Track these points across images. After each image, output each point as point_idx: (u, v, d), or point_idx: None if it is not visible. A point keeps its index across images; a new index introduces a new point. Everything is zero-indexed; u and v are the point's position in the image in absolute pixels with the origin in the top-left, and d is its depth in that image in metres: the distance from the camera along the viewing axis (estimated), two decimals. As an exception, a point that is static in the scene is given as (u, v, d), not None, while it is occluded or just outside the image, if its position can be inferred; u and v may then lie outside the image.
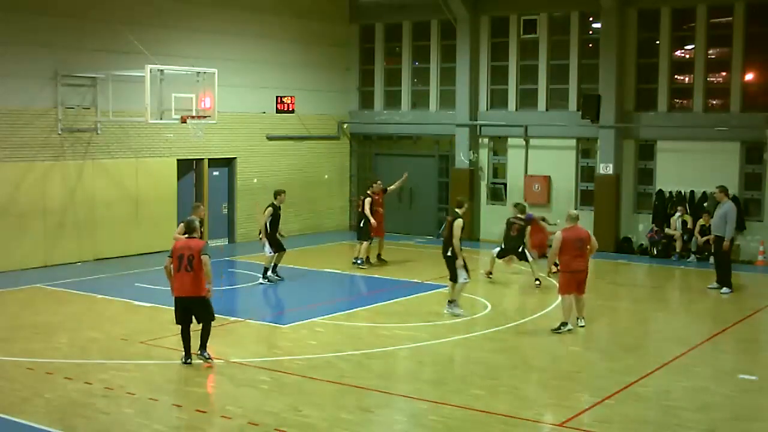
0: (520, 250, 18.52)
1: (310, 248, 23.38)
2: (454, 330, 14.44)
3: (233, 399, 10.74)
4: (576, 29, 23.96)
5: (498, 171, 25.56)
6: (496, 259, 18.90)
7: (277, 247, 18.27)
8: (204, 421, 10.06)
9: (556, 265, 15.23)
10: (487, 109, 25.34)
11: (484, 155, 25.48)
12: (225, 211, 24.28)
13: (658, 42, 22.91)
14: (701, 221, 21.15)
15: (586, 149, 24.12)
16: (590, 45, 24.05)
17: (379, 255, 20.84)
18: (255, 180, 24.55)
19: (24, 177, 19.48)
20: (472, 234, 24.43)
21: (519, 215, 18.75)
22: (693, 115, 22.45)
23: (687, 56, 23.02)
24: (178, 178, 22.66)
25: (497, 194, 25.06)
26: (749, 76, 22.24)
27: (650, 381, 11.67)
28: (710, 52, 22.55)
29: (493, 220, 23.46)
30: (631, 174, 23.35)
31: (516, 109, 25.00)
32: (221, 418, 10.07)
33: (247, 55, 24.18)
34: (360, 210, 20.60)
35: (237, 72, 23.29)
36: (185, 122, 19.57)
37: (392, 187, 21.58)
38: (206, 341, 12.26)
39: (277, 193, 18.54)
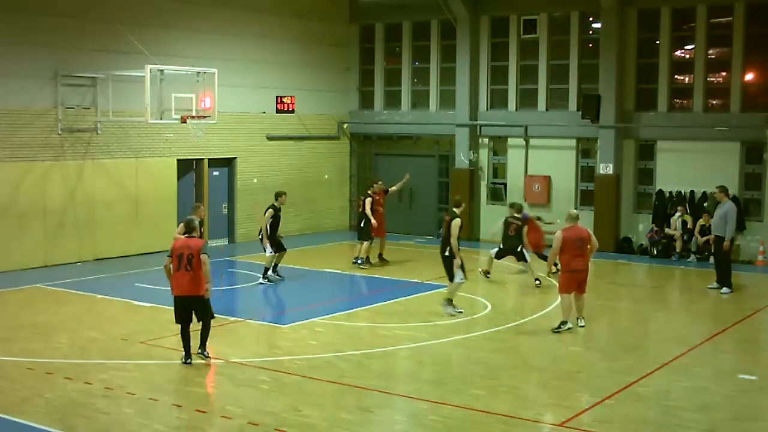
0: (518, 249, 18.53)
1: (310, 248, 23.38)
2: (454, 330, 14.44)
3: (233, 399, 10.74)
4: (576, 29, 23.96)
5: (498, 171, 25.56)
6: (494, 259, 18.90)
7: (278, 247, 18.28)
8: (204, 421, 10.06)
9: (555, 265, 15.23)
10: (487, 109, 25.34)
11: (484, 155, 25.49)
12: (225, 211, 24.29)
13: (658, 42, 22.91)
14: (701, 221, 21.16)
15: (586, 149, 24.13)
16: (590, 45, 24.05)
17: (380, 255, 20.86)
18: (255, 180, 24.55)
19: (24, 177, 19.49)
20: (472, 234, 24.46)
21: (516, 214, 18.78)
22: (693, 115, 22.45)
23: (687, 56, 23.02)
24: (178, 178, 22.66)
25: (497, 194, 25.06)
26: (749, 76, 22.24)
27: (650, 381, 11.67)
28: (710, 52, 22.55)
29: (494, 220, 23.34)
30: (631, 174, 23.35)
31: (516, 109, 25.00)
32: (221, 418, 10.07)
33: (247, 55, 24.18)
34: (360, 210, 20.61)
35: (237, 72, 23.29)
36: (185, 122, 19.58)
37: (393, 188, 21.59)
38: (206, 340, 12.33)
39: (278, 195, 18.53)
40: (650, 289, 19.32)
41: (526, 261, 18.61)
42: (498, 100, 25.32)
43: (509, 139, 25.09)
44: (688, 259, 21.71)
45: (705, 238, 20.71)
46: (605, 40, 23.11)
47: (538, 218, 20.01)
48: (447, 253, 15.29)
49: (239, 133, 24.06)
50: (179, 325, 12.17)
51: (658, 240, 22.30)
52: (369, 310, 15.99)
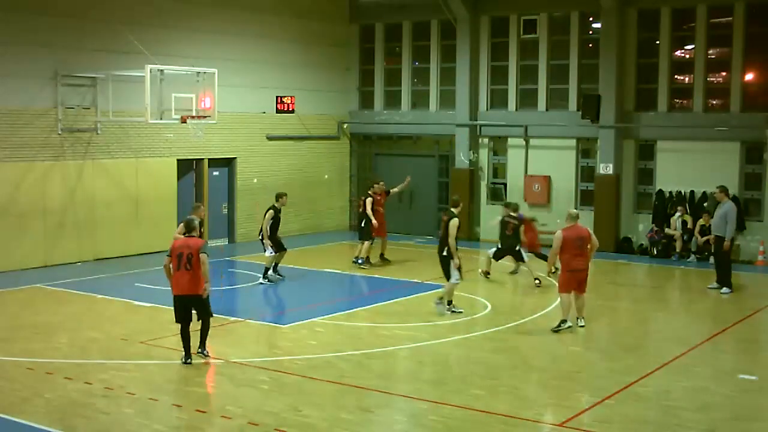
0: (517, 249, 18.55)
1: (310, 248, 23.38)
2: (454, 330, 14.44)
3: (233, 399, 10.74)
4: (576, 29, 23.96)
5: (498, 171, 25.56)
6: (492, 259, 18.91)
7: (278, 247, 18.29)
8: (204, 421, 10.06)
9: (555, 269, 15.20)
10: (487, 109, 25.34)
11: (484, 155, 25.49)
12: (225, 211, 24.28)
13: (658, 42, 22.91)
14: (701, 221, 21.16)
15: (586, 149, 24.13)
16: (590, 45, 24.05)
17: (382, 255, 20.90)
18: (255, 180, 24.55)
19: (24, 177, 19.49)
20: (472, 234, 24.45)
21: (512, 213, 18.83)
22: (693, 115, 22.45)
23: (687, 56, 23.02)
24: (178, 178, 22.66)
25: (497, 194, 25.05)
26: (749, 76, 22.24)
27: (650, 381, 11.67)
28: (710, 52, 22.55)
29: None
30: (631, 174, 23.36)
31: (516, 109, 25.00)
32: (221, 418, 10.07)
33: (247, 55, 24.18)
34: (361, 210, 20.62)
35: (237, 72, 23.29)
36: (185, 122, 19.58)
37: (395, 189, 21.64)
38: (205, 339, 12.39)
39: (279, 196, 18.53)
40: (650, 289, 19.32)
41: (523, 261, 18.63)
42: (498, 100, 25.32)
43: (509, 139, 25.09)
44: (688, 259, 21.72)
45: (705, 238, 20.71)
46: (605, 40, 23.11)
47: (533, 219, 20.02)
48: (445, 253, 15.30)
49: (239, 133, 24.06)
50: (179, 325, 12.18)
51: (658, 240, 22.30)
52: (369, 310, 15.99)
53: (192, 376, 11.79)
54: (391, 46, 27.15)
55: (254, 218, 23.36)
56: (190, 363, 12.08)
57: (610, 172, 23.10)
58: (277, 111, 25.08)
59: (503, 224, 18.79)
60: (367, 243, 20.30)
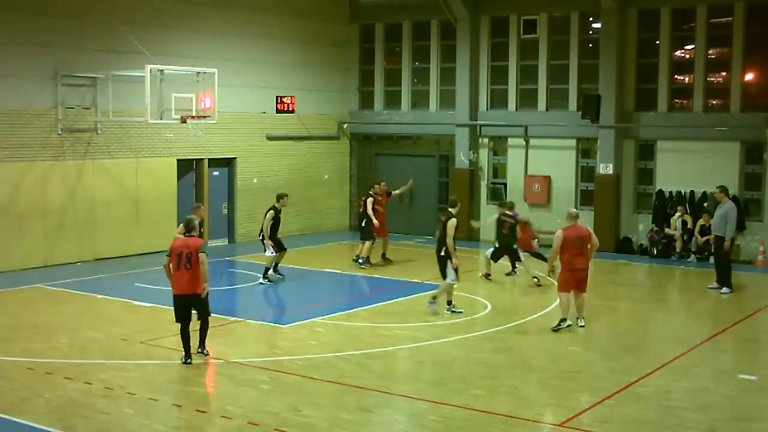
0: (514, 247, 18.61)
1: (310, 248, 23.38)
2: (454, 330, 14.44)
3: (233, 399, 10.74)
4: (576, 29, 23.96)
5: (498, 171, 25.57)
6: (491, 261, 18.93)
7: (278, 247, 18.29)
8: (204, 421, 10.06)
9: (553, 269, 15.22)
10: (487, 109, 25.34)
11: (484, 155, 25.49)
12: (225, 211, 24.28)
13: (658, 42, 22.92)
14: (701, 221, 21.16)
15: (586, 149, 24.13)
16: (590, 45, 24.05)
17: (383, 254, 20.94)
18: (255, 180, 24.55)
19: (24, 177, 19.48)
20: (472, 234, 24.45)
21: (507, 212, 18.89)
22: (693, 115, 22.45)
23: (687, 56, 23.02)
24: (178, 178, 22.66)
25: (497, 194, 25.05)
26: (749, 76, 22.24)
27: (650, 381, 11.67)
28: (710, 52, 22.55)
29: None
30: (631, 174, 23.36)
31: (516, 109, 25.00)
32: (221, 418, 10.07)
33: (247, 55, 24.18)
34: (361, 210, 20.64)
35: (237, 72, 23.29)
36: (185, 122, 19.58)
37: (396, 191, 21.69)
38: (205, 338, 12.45)
39: (280, 197, 18.54)
40: (650, 289, 19.32)
41: (520, 260, 18.72)
42: (498, 100, 25.32)
43: (509, 139, 25.09)
44: (688, 259, 21.72)
45: (705, 238, 20.71)
46: (605, 40, 23.11)
47: (527, 222, 20.03)
48: (443, 253, 15.32)
49: (239, 133, 24.06)
50: (179, 325, 12.19)
51: (658, 240, 22.30)
52: (369, 310, 15.99)
53: (192, 376, 11.79)
54: (391, 46, 27.15)
55: (254, 218, 23.37)
56: (190, 363, 12.08)
57: (610, 172, 23.10)
58: (277, 111, 25.08)
59: (499, 223, 18.83)
60: (368, 243, 20.32)
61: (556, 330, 14.22)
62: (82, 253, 20.56)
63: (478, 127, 25.24)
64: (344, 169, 27.61)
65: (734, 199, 20.07)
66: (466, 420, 10.10)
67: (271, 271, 18.37)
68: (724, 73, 22.55)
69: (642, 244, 22.98)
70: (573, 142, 24.11)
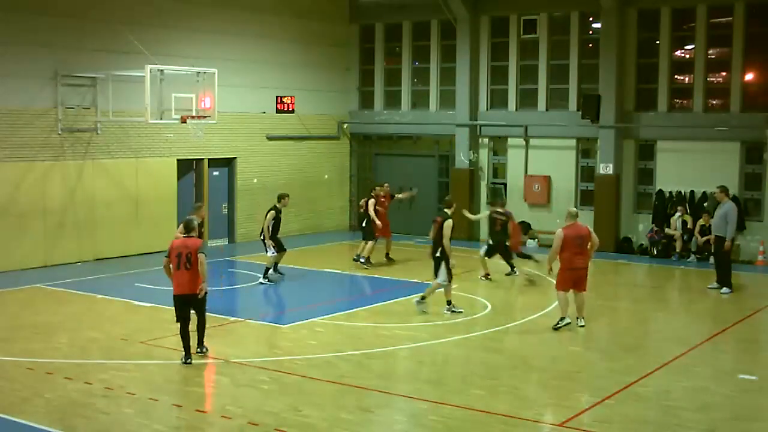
0: (506, 244, 18.82)
1: (310, 248, 23.38)
2: (454, 330, 14.44)
3: (233, 399, 10.74)
4: (576, 29, 23.96)
5: (498, 171, 25.57)
6: (486, 259, 18.99)
7: (278, 247, 18.30)
8: (204, 421, 10.06)
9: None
10: (487, 109, 25.34)
11: (484, 155, 25.49)
12: (225, 211, 24.28)
13: (658, 42, 22.92)
14: (701, 221, 21.16)
15: (586, 149, 24.13)
16: (590, 45, 24.06)
17: (387, 254, 21.04)
18: (255, 180, 24.55)
19: (24, 177, 19.48)
20: (472, 234, 24.45)
21: (499, 210, 18.98)
22: (693, 115, 22.45)
23: (687, 56, 23.02)
24: (178, 178, 22.66)
25: (497, 194, 25.01)
26: (749, 76, 22.24)
27: (650, 381, 11.67)
28: (710, 52, 22.56)
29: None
30: (631, 174, 23.36)
31: (516, 109, 25.00)
32: (221, 418, 10.07)
33: (247, 55, 24.18)
34: (362, 211, 20.69)
35: (237, 72, 23.30)
36: (185, 122, 19.58)
37: (400, 196, 21.80)
38: (203, 337, 12.53)
39: (281, 197, 18.56)
40: (650, 289, 19.32)
41: (511, 257, 18.92)
42: (498, 100, 25.32)
43: (509, 139, 25.09)
44: (688, 259, 21.71)
45: (705, 238, 20.71)
46: (605, 40, 23.11)
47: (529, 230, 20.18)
48: (438, 254, 15.34)
49: (239, 133, 24.06)
50: (179, 325, 12.20)
51: (658, 240, 22.30)
52: (369, 310, 15.99)
53: (192, 376, 11.79)
54: (391, 46, 27.15)
55: (254, 218, 23.39)
56: (190, 363, 12.09)
57: (610, 172, 23.10)
58: (277, 111, 25.08)
59: (491, 221, 18.99)
60: (370, 243, 20.34)
61: (556, 329, 14.23)
62: (82, 253, 20.56)
63: (478, 127, 25.24)
64: (344, 169, 27.61)
65: (734, 199, 20.06)
66: (466, 420, 10.10)
67: (271, 271, 18.38)
68: (724, 73, 22.55)
69: (642, 244, 22.98)
70: (573, 142, 24.12)
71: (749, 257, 21.58)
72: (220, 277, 18.78)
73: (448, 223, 15.21)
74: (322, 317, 15.16)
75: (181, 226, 13.19)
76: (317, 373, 11.79)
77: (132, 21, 20.96)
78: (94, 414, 10.14)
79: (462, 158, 25.26)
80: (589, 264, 14.62)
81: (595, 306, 15.86)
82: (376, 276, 19.59)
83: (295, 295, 17.77)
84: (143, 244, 21.47)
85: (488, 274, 18.89)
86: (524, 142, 24.62)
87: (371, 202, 20.45)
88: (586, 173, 24.10)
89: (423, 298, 15.57)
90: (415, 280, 18.81)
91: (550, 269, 14.93)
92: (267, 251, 18.19)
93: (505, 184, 25.13)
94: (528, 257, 19.24)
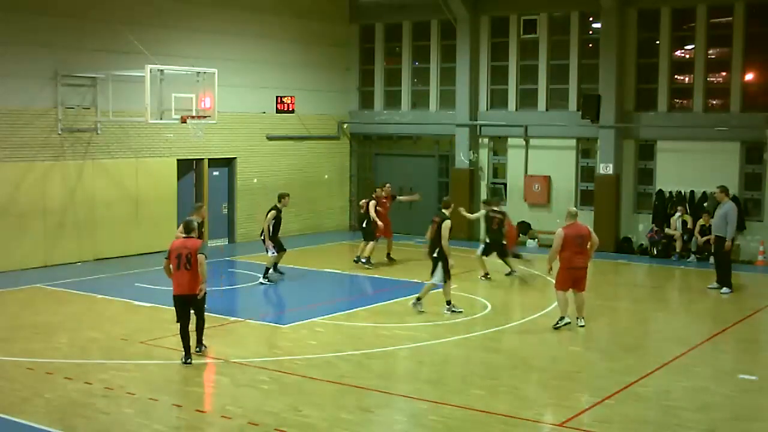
0: (503, 242, 18.91)
1: (310, 248, 23.38)
2: (454, 330, 14.44)
3: (233, 399, 10.74)
4: (576, 29, 23.96)
5: (498, 171, 25.57)
6: (484, 258, 19.03)
7: (278, 247, 18.31)
8: (204, 421, 10.06)
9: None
10: (487, 109, 25.34)
11: (484, 155, 25.49)
12: (225, 211, 24.28)
13: (658, 42, 22.91)
14: (701, 221, 21.15)
15: (586, 149, 24.13)
16: (590, 45, 24.05)
17: (388, 254, 21.09)
18: (255, 180, 24.55)
19: (24, 177, 19.48)
20: (472, 234, 24.44)
21: (495, 209, 19.07)
22: (693, 115, 22.45)
23: (687, 56, 23.02)
24: (178, 178, 22.66)
25: (497, 194, 25.03)
26: (749, 76, 22.24)
27: (650, 381, 11.67)
28: (710, 52, 22.55)
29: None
30: (631, 174, 23.35)
31: (516, 109, 25.00)
32: (221, 418, 10.07)
33: (247, 55, 24.18)
34: (363, 212, 20.69)
35: (237, 72, 23.29)
36: (185, 122, 19.58)
37: (402, 198, 21.84)
38: (201, 336, 12.59)
39: (282, 196, 18.58)
40: (650, 289, 19.32)
41: (507, 255, 18.98)
42: (498, 100, 25.32)
43: (509, 139, 25.09)
44: (688, 259, 21.71)
45: (705, 238, 20.70)
46: (605, 40, 23.11)
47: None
48: (435, 254, 15.35)
49: (239, 133, 24.06)
50: (179, 325, 12.21)
51: (658, 240, 22.30)
52: (369, 310, 15.99)
53: (192, 376, 11.79)
54: (391, 46, 27.15)
55: (254, 218, 23.40)
56: (190, 363, 12.09)
57: (610, 172, 23.10)
58: (277, 111, 25.08)
59: (488, 219, 19.04)
60: (371, 243, 20.35)
61: (556, 328, 14.24)
62: (82, 253, 20.56)
63: (478, 127, 25.24)
64: (344, 169, 27.61)
65: (734, 199, 20.06)
66: (466, 420, 10.10)
67: (271, 271, 18.38)
68: (724, 73, 22.55)
69: (642, 244, 22.98)
70: (573, 142, 24.11)
71: (749, 257, 21.57)
72: (220, 277, 18.78)
73: (447, 223, 15.22)
74: (322, 317, 15.16)
75: (181, 226, 13.20)
76: (317, 373, 11.79)
77: (132, 21, 20.96)
78: (94, 414, 10.14)
79: (462, 158, 25.26)
80: (589, 264, 14.63)
81: (595, 306, 15.86)
82: (376, 276, 19.59)
83: (295, 295, 17.77)
84: (143, 244, 21.47)
85: (487, 274, 18.91)
86: (524, 142, 24.62)
87: (372, 203, 20.47)
88: (586, 173, 24.10)
89: (418, 299, 15.59)
90: (415, 280, 18.79)
91: (550, 268, 14.94)
92: (267, 251, 18.20)
93: (505, 184, 25.14)
94: (518, 256, 19.47)
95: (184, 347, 12.17)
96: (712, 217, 18.50)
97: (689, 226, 21.85)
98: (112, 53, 20.51)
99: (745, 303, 17.01)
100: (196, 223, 12.66)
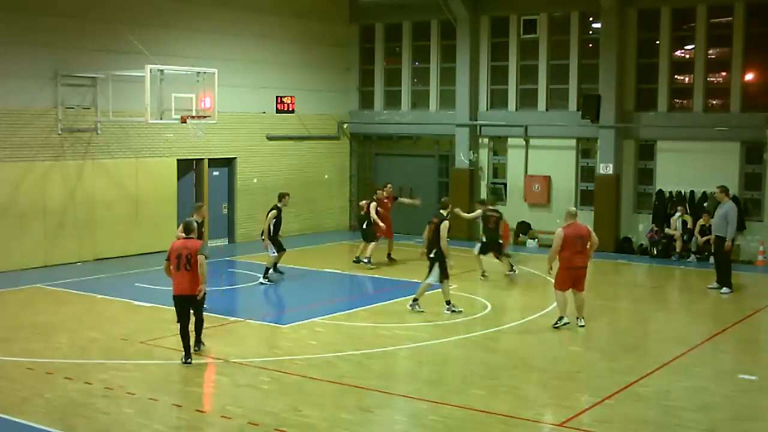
0: (500, 241, 19.02)
1: (310, 248, 23.38)
2: (454, 330, 14.44)
3: (233, 399, 10.74)
4: (576, 29, 23.96)
5: (498, 171, 25.57)
6: (482, 257, 19.07)
7: (278, 247, 18.32)
8: (204, 421, 10.06)
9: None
10: (487, 109, 25.34)
11: (484, 155, 25.49)
12: (225, 211, 24.28)
13: (658, 42, 22.91)
14: (701, 221, 21.15)
15: (586, 149, 24.13)
16: (590, 45, 24.05)
17: (389, 254, 21.09)
18: (255, 180, 24.55)
19: (24, 177, 19.48)
20: (472, 234, 24.42)
21: (491, 207, 19.24)
22: (693, 115, 22.45)
23: (687, 56, 23.02)
24: (178, 178, 22.66)
25: (497, 194, 25.03)
26: (749, 76, 22.24)
27: (650, 381, 11.67)
28: (710, 52, 22.55)
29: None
30: (631, 174, 23.35)
31: (516, 109, 25.00)
32: (221, 418, 10.07)
33: (247, 55, 24.18)
34: (363, 213, 20.69)
35: (237, 72, 23.29)
36: (185, 122, 19.58)
37: (403, 200, 21.81)
38: (200, 335, 12.66)
39: (282, 196, 18.60)
40: (650, 289, 19.32)
41: (501, 254, 19.12)
42: (498, 100, 25.32)
43: (509, 139, 25.09)
44: (688, 259, 21.71)
45: (705, 238, 20.70)
46: (605, 40, 23.11)
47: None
48: (432, 255, 15.36)
49: (239, 133, 24.06)
50: (179, 325, 12.21)
51: (658, 240, 22.30)
52: (369, 310, 15.99)
53: (192, 376, 11.79)
54: (391, 46, 27.15)
55: (254, 218, 23.41)
56: (190, 363, 12.09)
57: (610, 172, 23.10)
58: (277, 111, 25.08)
59: (485, 218, 19.10)
60: (372, 244, 20.35)
61: (555, 327, 14.24)
62: (82, 253, 20.56)
63: (478, 127, 25.24)
64: (344, 169, 27.61)
65: (734, 199, 20.07)
66: (466, 420, 10.10)
67: (271, 271, 18.38)
68: (724, 73, 22.55)
69: (642, 244, 22.98)
70: (573, 142, 24.11)
71: (749, 257, 21.57)
72: (221, 277, 18.77)
73: (445, 224, 15.25)
74: (322, 317, 15.16)
75: (181, 227, 13.21)
76: (317, 373, 11.79)
77: (132, 21, 20.96)
78: (94, 414, 10.14)
79: (462, 158, 25.26)
80: (589, 264, 14.63)
81: (595, 306, 15.86)
82: (376, 276, 19.59)
83: (295, 295, 17.77)
84: (143, 244, 21.47)
85: (484, 272, 18.96)
86: (524, 142, 24.62)
87: (373, 205, 20.46)
88: (586, 173, 24.10)
89: (415, 300, 15.61)
90: (416, 280, 18.76)
91: (550, 268, 14.94)
92: (268, 251, 18.20)
93: (505, 184, 25.13)
94: (507, 255, 19.59)
95: (184, 347, 12.17)
96: (712, 217, 18.50)
97: (689, 226, 21.85)
98: (112, 53, 20.51)
99: (745, 303, 17.01)
100: (195, 224, 12.70)
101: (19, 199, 19.41)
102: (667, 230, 22.24)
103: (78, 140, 20.43)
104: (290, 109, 25.31)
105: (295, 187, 24.30)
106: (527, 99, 24.88)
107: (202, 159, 23.31)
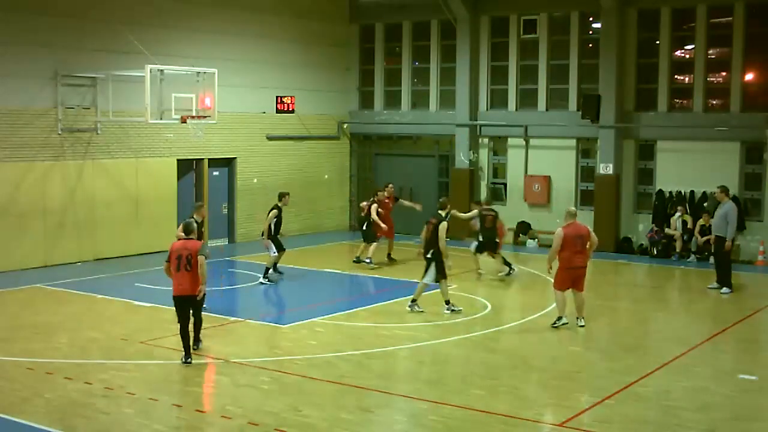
0: (496, 240, 19.07)
1: (310, 248, 23.38)
2: (454, 330, 14.44)
3: (233, 399, 10.74)
4: (576, 29, 23.96)
5: (498, 171, 25.57)
6: (478, 255, 19.11)
7: (278, 247, 18.32)
8: (204, 421, 10.07)
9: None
10: (487, 109, 25.34)
11: (484, 155, 25.49)
12: (225, 211, 24.28)
13: (658, 42, 22.91)
14: (701, 221, 21.15)
15: (586, 149, 24.13)
16: (590, 45, 24.05)
17: (389, 254, 21.09)
18: (255, 180, 24.55)
19: (24, 177, 19.48)
20: (471, 234, 24.39)
21: (486, 206, 19.41)
22: (693, 115, 22.45)
23: (687, 56, 23.02)
24: (178, 178, 22.66)
25: (497, 194, 25.05)
26: (749, 76, 22.24)
27: (650, 381, 11.67)
28: (710, 52, 22.55)
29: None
30: (631, 174, 23.35)
31: (516, 109, 25.00)
32: (221, 418, 10.07)
33: (247, 55, 24.18)
34: (364, 214, 20.69)
35: (237, 72, 23.29)
36: (185, 122, 19.58)
37: (405, 202, 21.82)
38: (198, 334, 12.69)
39: (282, 195, 18.62)
40: (650, 289, 19.32)
41: (497, 252, 19.18)
42: (498, 100, 25.32)
43: (509, 139, 25.09)
44: (688, 259, 21.71)
45: (705, 238, 20.70)
46: (605, 40, 23.11)
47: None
48: (429, 255, 15.38)
49: (239, 133, 24.06)
50: (179, 325, 12.22)
51: (658, 240, 22.30)
52: (369, 310, 16.00)
53: (192, 376, 11.80)
54: (391, 46, 27.15)
55: (254, 218, 23.41)
56: (190, 363, 12.10)
57: (610, 172, 23.10)
58: (277, 111, 25.08)
59: (482, 218, 19.15)
60: (373, 245, 20.35)
61: (554, 327, 14.24)
62: (82, 253, 20.56)
63: (478, 127, 25.24)
64: (344, 169, 27.61)
65: (734, 199, 20.07)
66: (466, 420, 10.10)
67: (271, 271, 18.38)
68: (724, 73, 22.55)
69: (642, 244, 22.98)
70: (573, 142, 24.11)
71: (749, 257, 21.57)
72: (221, 277, 18.78)
73: (443, 225, 15.28)
74: (322, 317, 15.16)
75: (181, 227, 13.22)
76: (317, 373, 11.79)
77: (132, 21, 20.96)
78: (94, 414, 10.14)
79: (462, 158, 25.26)
80: (588, 263, 14.63)
81: (595, 306, 15.86)
82: (376, 276, 19.59)
83: (295, 295, 17.77)
84: (143, 244, 21.47)
85: (479, 269, 19.09)
86: (524, 142, 24.62)
87: (374, 207, 20.46)
88: (586, 173, 24.10)
89: (414, 300, 15.61)
90: (416, 280, 18.75)
91: (550, 268, 14.93)
92: (269, 251, 18.21)
93: (505, 184, 25.14)
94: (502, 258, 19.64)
95: (184, 347, 12.18)
96: (712, 217, 18.50)
97: (689, 226, 21.85)
98: (112, 53, 20.51)
99: (745, 303, 17.01)
100: (195, 225, 12.73)
101: (19, 199, 19.41)
102: (667, 230, 22.24)
103: (78, 140, 20.43)
104: (290, 109, 25.31)
105: (295, 187, 24.29)
106: (527, 99, 24.88)
107: (202, 159, 23.31)
